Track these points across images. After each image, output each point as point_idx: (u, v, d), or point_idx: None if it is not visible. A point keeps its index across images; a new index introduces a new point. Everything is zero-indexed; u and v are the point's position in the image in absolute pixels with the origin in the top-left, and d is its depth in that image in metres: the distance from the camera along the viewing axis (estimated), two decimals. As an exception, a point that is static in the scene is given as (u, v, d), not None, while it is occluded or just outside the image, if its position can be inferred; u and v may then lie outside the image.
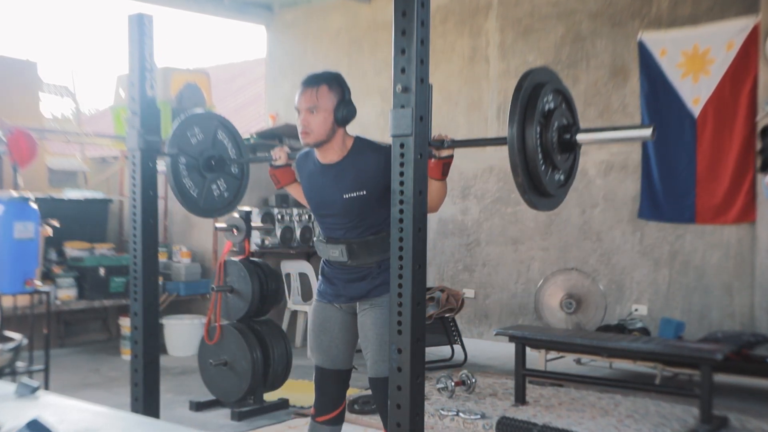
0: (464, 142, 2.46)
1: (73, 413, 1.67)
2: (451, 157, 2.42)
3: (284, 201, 6.76)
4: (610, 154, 6.54)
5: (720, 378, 4.79)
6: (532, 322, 6.72)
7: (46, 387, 4.25)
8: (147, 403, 2.79)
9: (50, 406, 1.72)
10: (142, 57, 2.78)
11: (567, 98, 2.24)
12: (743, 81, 5.70)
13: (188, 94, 6.85)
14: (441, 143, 2.34)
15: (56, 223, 5.10)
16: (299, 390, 4.98)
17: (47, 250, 6.20)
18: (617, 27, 6.54)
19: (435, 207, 2.58)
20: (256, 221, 4.88)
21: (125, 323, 6.16)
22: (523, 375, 4.65)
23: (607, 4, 6.60)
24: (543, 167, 2.14)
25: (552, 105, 2.17)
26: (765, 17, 5.58)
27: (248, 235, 4.63)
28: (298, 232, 6.69)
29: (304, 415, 4.41)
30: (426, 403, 3.86)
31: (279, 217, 6.55)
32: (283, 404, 4.62)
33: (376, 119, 7.88)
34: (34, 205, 4.48)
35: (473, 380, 4.84)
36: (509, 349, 4.90)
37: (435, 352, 6.07)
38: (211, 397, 4.60)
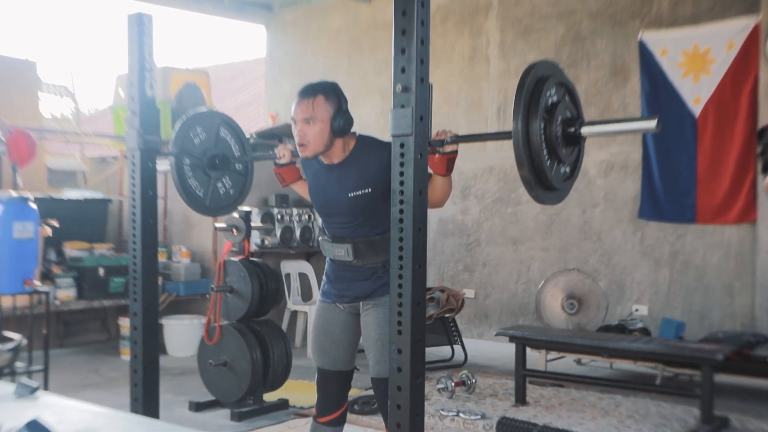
0: (468, 137, 2.45)
1: (72, 413, 1.67)
2: (455, 152, 2.41)
3: (284, 201, 6.76)
4: (611, 154, 6.53)
5: (721, 378, 4.78)
6: (533, 322, 6.71)
7: (46, 387, 4.24)
8: (146, 403, 2.79)
9: (50, 406, 1.71)
10: (142, 57, 2.77)
11: (570, 91, 2.23)
12: (744, 81, 5.69)
13: (188, 94, 6.85)
14: (441, 142, 2.34)
15: (55, 223, 5.10)
16: (299, 390, 4.98)
17: (46, 250, 6.20)
18: (618, 27, 6.54)
19: (441, 202, 2.58)
20: (255, 221, 4.88)
21: (125, 323, 6.15)
22: (523, 375, 4.64)
23: (607, 3, 6.60)
24: (548, 161, 2.13)
25: (555, 98, 2.16)
26: (765, 17, 5.57)
27: (248, 235, 4.62)
28: (297, 232, 6.69)
29: (304, 416, 4.40)
30: (426, 403, 3.85)
31: (279, 217, 6.54)
32: (282, 404, 4.61)
33: (376, 119, 7.87)
34: (34, 205, 4.47)
35: (473, 380, 4.84)
36: (509, 349, 4.89)
37: (435, 352, 6.06)
38: (210, 397, 4.60)
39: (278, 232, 6.51)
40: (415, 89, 2.04)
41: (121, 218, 7.27)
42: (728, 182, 5.79)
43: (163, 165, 2.94)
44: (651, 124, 2.08)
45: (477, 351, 6.51)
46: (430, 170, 2.34)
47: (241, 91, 12.97)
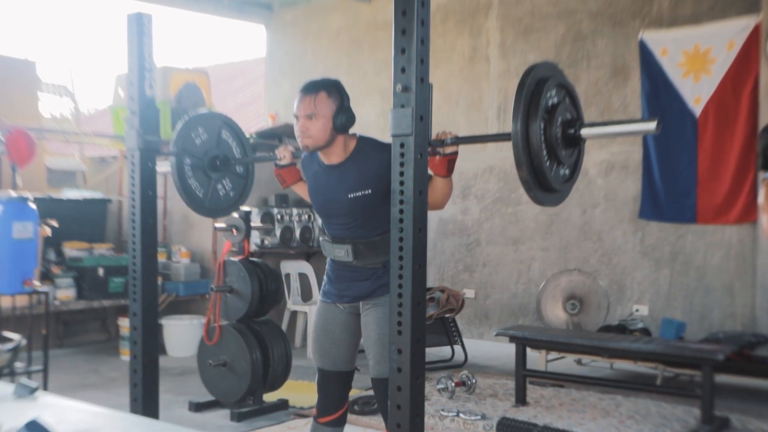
0: (468, 139, 2.45)
1: (72, 414, 1.66)
2: (455, 153, 2.41)
3: (284, 201, 6.75)
4: (611, 153, 6.53)
5: (721, 378, 4.77)
6: (533, 322, 6.70)
7: (45, 387, 4.23)
8: (146, 403, 2.79)
9: (49, 406, 1.71)
10: (141, 56, 2.77)
11: (570, 93, 2.22)
12: (744, 81, 5.68)
13: (187, 94, 6.84)
14: (442, 142, 2.33)
15: (55, 223, 5.09)
16: (299, 390, 4.97)
17: (46, 250, 6.19)
18: (618, 26, 6.53)
19: (441, 204, 2.58)
20: (255, 221, 4.87)
21: (124, 323, 6.15)
22: (523, 375, 4.64)
23: (607, 3, 6.59)
24: (548, 162, 2.12)
25: (555, 100, 2.15)
26: (766, 17, 5.57)
27: (248, 235, 4.61)
28: (297, 232, 6.68)
29: (304, 416, 4.40)
30: (426, 403, 3.84)
31: (278, 217, 6.54)
32: (282, 405, 4.60)
33: (376, 119, 7.86)
34: (33, 205, 4.46)
35: (473, 381, 4.83)
36: (510, 349, 4.88)
37: (435, 352, 6.05)
38: (210, 397, 4.59)
39: (278, 232, 6.51)
40: (415, 89, 2.04)
41: (120, 218, 7.27)
42: (729, 182, 5.79)
43: (163, 166, 2.93)
44: (651, 125, 2.07)
45: (477, 351, 6.50)
46: (430, 171, 2.34)
47: (241, 91, 12.96)
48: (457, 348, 6.11)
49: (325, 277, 2.92)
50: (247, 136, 3.21)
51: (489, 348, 6.77)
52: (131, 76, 2.78)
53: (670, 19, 6.20)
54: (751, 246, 5.78)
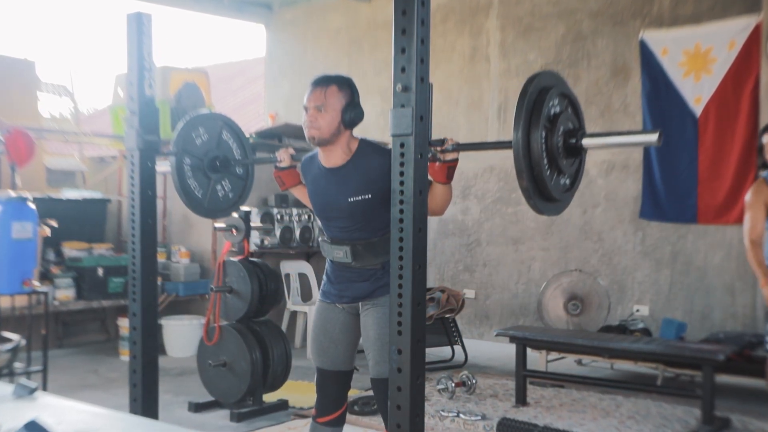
0: (468, 146, 2.44)
1: (71, 414, 1.66)
2: (456, 160, 2.40)
3: (283, 201, 6.74)
4: (612, 153, 6.52)
5: (722, 379, 4.77)
6: (533, 322, 6.70)
7: (44, 388, 4.23)
8: (146, 404, 2.78)
9: (48, 407, 1.71)
10: (141, 56, 2.76)
11: (573, 102, 2.22)
12: (745, 80, 5.68)
13: (187, 94, 6.84)
14: (442, 142, 2.32)
15: (54, 223, 5.08)
16: (299, 391, 4.96)
17: (45, 251, 6.18)
18: (618, 26, 6.53)
19: (441, 210, 2.58)
20: (255, 221, 4.87)
21: (124, 324, 6.14)
22: (523, 376, 4.63)
23: (608, 3, 6.59)
24: (548, 172, 2.11)
25: (558, 109, 2.14)
26: (767, 16, 5.56)
27: (247, 235, 4.61)
28: (297, 232, 6.67)
29: (304, 416, 4.39)
30: (426, 404, 3.83)
31: (278, 217, 6.53)
32: (282, 405, 4.60)
33: (376, 119, 7.85)
34: (32, 205, 4.46)
35: (474, 381, 4.83)
36: (510, 349, 4.88)
37: (435, 352, 6.05)
38: (210, 398, 4.58)
39: (278, 232, 6.50)
40: (415, 89, 2.03)
41: (120, 218, 7.26)
42: (729, 182, 5.78)
43: (162, 166, 2.92)
44: (653, 137, 2.06)
45: (477, 351, 6.50)
46: (430, 178, 2.34)
47: (241, 90, 12.96)
48: (458, 348, 6.10)
49: (324, 277, 2.92)
50: (247, 136, 3.21)
51: (489, 348, 6.77)
52: (131, 75, 2.77)
53: (670, 19, 6.20)
54: (751, 246, 5.77)
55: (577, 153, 2.21)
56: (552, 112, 2.12)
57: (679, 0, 6.18)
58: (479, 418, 4.25)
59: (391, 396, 2.09)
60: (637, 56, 6.21)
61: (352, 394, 4.88)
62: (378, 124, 7.73)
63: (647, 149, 6.19)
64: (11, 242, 4.29)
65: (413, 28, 2.02)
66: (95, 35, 39.67)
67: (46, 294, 4.61)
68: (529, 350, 4.74)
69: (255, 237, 6.22)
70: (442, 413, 4.36)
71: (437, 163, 2.38)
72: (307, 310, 6.49)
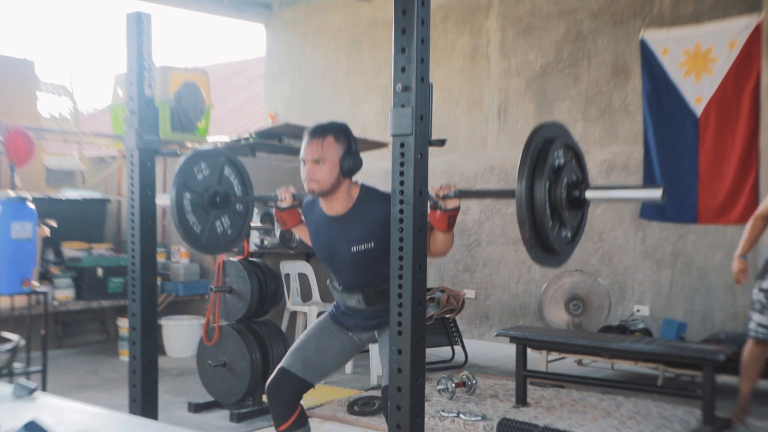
0: (471, 193, 2.43)
1: (70, 415, 1.65)
2: (457, 208, 2.40)
3: (284, 201, 6.73)
4: (612, 153, 6.52)
5: (722, 379, 4.76)
6: (533, 322, 6.69)
7: (44, 388, 4.22)
8: (145, 404, 2.77)
9: (48, 407, 1.70)
10: (141, 56, 2.75)
11: (577, 154, 2.21)
12: (746, 80, 5.67)
13: (187, 94, 6.84)
14: (442, 197, 2.33)
15: (54, 223, 5.07)
16: (299, 391, 4.95)
17: (45, 251, 6.17)
18: (619, 26, 6.52)
19: (442, 254, 2.60)
20: (255, 221, 4.86)
21: (123, 324, 6.13)
22: (524, 376, 4.62)
23: (608, 2, 6.58)
24: (550, 223, 2.11)
25: (562, 161, 2.13)
26: (767, 16, 5.56)
27: (247, 236, 4.60)
28: (297, 232, 6.66)
29: (304, 417, 4.38)
30: (426, 404, 3.83)
31: (278, 217, 6.51)
32: (282, 405, 4.59)
33: (376, 119, 7.85)
34: (32, 205, 4.45)
35: (474, 381, 4.82)
36: (510, 350, 4.87)
37: (435, 353, 6.04)
38: (209, 398, 4.58)
39: (277, 232, 6.49)
40: (415, 88, 2.03)
41: (119, 218, 7.25)
42: (730, 182, 5.77)
43: (162, 200, 2.90)
44: (657, 193, 2.04)
45: (477, 352, 6.49)
46: (430, 224, 2.35)
47: (241, 90, 12.97)
48: (458, 348, 6.09)
49: (335, 309, 2.91)
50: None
51: (489, 348, 6.76)
52: (130, 75, 2.76)
53: (671, 19, 6.19)
54: (752, 246, 5.76)
55: (579, 205, 2.19)
56: (556, 163, 2.11)
57: (680, 0, 6.18)
58: (479, 418, 4.24)
59: (391, 396, 2.08)
60: (637, 56, 6.20)
61: (353, 394, 4.88)
62: (378, 123, 7.74)
63: (647, 149, 6.18)
64: (10, 242, 4.28)
65: (413, 28, 2.02)
66: (95, 35, 39.68)
67: (45, 294, 4.60)
68: (529, 350, 4.74)
69: (255, 237, 6.21)
70: (443, 414, 4.35)
71: (438, 212, 2.38)
72: (306, 311, 6.47)
